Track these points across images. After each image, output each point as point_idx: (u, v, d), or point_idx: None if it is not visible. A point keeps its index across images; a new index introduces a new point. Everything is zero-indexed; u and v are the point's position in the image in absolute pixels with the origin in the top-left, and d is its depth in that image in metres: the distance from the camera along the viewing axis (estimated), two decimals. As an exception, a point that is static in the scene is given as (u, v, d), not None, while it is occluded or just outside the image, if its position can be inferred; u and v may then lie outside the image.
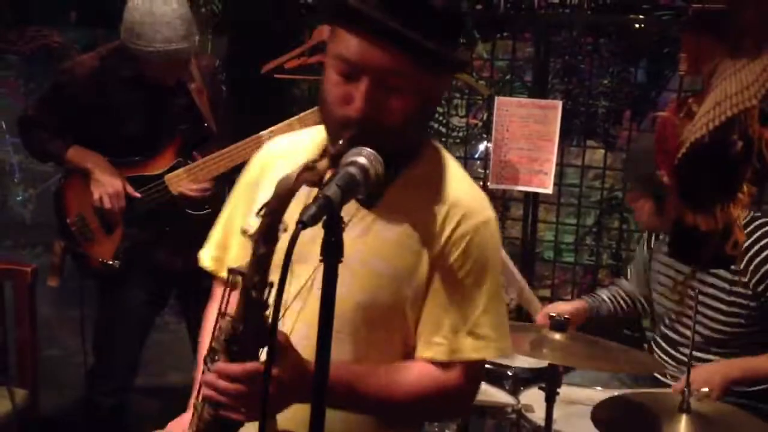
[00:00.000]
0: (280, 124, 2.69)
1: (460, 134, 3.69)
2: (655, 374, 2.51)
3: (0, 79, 3.74)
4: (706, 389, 2.10)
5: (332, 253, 1.09)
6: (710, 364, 2.37)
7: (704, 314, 2.39)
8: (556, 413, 2.19)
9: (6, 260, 3.07)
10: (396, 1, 1.26)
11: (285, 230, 1.21)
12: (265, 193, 1.46)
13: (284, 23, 3.55)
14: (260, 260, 1.22)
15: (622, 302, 2.75)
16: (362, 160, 1.14)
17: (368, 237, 1.39)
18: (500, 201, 3.68)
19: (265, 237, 1.21)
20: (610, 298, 2.75)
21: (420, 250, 1.39)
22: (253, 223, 1.24)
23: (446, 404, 1.46)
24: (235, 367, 1.25)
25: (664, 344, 2.54)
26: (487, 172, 3.47)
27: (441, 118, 3.68)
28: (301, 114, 2.73)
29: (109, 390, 2.84)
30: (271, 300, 1.30)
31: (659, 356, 2.54)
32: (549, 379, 2.16)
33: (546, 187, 3.36)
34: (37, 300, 2.94)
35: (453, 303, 1.40)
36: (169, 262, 2.74)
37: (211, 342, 1.33)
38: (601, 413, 1.99)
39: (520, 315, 3.50)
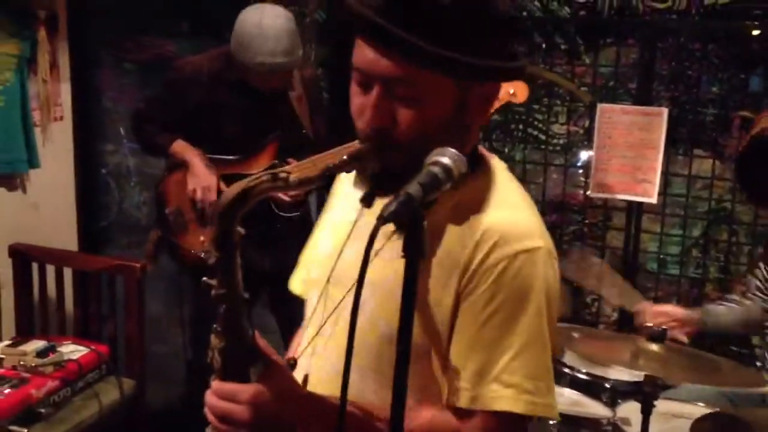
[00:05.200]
0: None
1: (561, 141, 3.64)
2: None
3: (118, 86, 3.92)
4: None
5: (413, 252, 1.06)
6: None
7: None
8: (655, 428, 2.13)
9: (120, 257, 3.23)
10: (402, 3, 1.15)
11: (244, 234, 1.15)
12: (328, 213, 1.49)
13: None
14: (218, 268, 1.16)
15: (740, 317, 2.62)
16: (446, 160, 1.10)
17: (397, 262, 1.11)
18: (601, 210, 3.62)
19: (216, 244, 1.15)
20: (727, 313, 2.63)
21: (448, 282, 1.22)
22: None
23: None
24: (219, 385, 1.20)
25: None
26: (588, 180, 3.42)
27: (541, 125, 3.63)
28: None
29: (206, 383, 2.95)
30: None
31: None
32: (646, 392, 2.11)
33: (650, 196, 3.28)
34: (148, 298, 3.09)
35: (479, 343, 1.21)
36: (258, 260, 2.83)
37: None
38: (700, 429, 1.93)
39: (622, 327, 3.43)
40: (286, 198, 2.81)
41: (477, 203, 1.26)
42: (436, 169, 1.09)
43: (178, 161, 2.90)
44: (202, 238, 2.82)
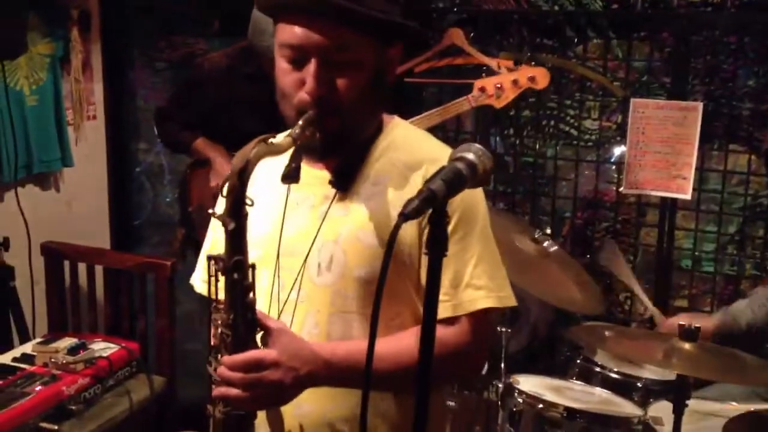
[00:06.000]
0: (418, 116, 2.75)
1: (593, 137, 3.59)
2: None
3: (150, 85, 3.96)
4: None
5: (437, 247, 1.09)
6: None
7: None
8: (687, 427, 2.09)
9: (150, 255, 3.26)
10: None
11: (252, 204, 1.24)
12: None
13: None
14: (232, 236, 1.23)
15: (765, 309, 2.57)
16: (470, 155, 1.12)
17: (351, 215, 1.41)
18: (635, 206, 3.56)
19: (231, 213, 1.23)
20: (751, 307, 2.58)
21: None
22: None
23: (455, 361, 1.42)
24: (239, 357, 1.27)
25: None
26: (621, 176, 3.37)
27: (573, 120, 3.59)
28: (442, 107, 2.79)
29: None
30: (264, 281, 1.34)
31: None
32: (677, 391, 2.07)
33: (685, 192, 3.22)
34: (181, 296, 3.11)
35: (448, 259, 1.31)
36: None
37: (210, 339, 1.33)
38: (733, 428, 1.89)
39: (654, 325, 3.38)
40: None
41: (405, 150, 1.45)
42: (460, 165, 1.12)
43: (201, 158, 2.92)
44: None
